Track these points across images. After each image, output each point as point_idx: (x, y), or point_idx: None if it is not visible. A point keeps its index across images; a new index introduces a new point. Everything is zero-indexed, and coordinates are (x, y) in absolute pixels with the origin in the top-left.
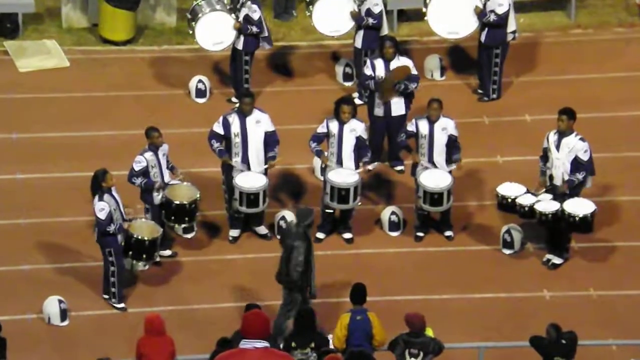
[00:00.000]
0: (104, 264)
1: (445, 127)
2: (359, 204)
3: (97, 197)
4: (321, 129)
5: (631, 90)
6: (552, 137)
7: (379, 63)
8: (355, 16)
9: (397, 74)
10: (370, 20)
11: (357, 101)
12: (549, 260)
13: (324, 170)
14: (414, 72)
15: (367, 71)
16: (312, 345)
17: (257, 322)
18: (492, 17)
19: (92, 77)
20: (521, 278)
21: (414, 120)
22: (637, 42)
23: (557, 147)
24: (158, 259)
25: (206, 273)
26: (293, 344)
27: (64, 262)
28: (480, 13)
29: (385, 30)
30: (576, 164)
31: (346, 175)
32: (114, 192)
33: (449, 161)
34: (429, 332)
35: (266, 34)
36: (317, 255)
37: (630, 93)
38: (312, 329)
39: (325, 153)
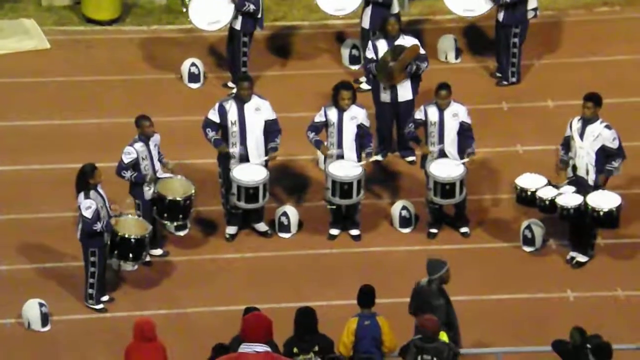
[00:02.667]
0: (84, 264)
1: (456, 114)
2: (364, 197)
3: (82, 195)
4: (319, 117)
5: None
6: (576, 124)
7: (382, 44)
8: None
9: (406, 55)
10: None
11: (365, 86)
12: (573, 258)
13: (326, 160)
14: (422, 51)
15: (369, 54)
16: (316, 349)
17: (257, 324)
18: None
19: (74, 60)
20: (543, 277)
21: (422, 107)
22: None
23: (581, 135)
24: (148, 259)
25: (200, 274)
26: (295, 350)
27: (45, 262)
28: None
29: (395, 9)
30: (604, 154)
31: (348, 168)
32: (99, 189)
33: (461, 152)
34: (443, 337)
35: (260, 15)
36: (321, 254)
37: None
38: (313, 331)
39: (325, 143)
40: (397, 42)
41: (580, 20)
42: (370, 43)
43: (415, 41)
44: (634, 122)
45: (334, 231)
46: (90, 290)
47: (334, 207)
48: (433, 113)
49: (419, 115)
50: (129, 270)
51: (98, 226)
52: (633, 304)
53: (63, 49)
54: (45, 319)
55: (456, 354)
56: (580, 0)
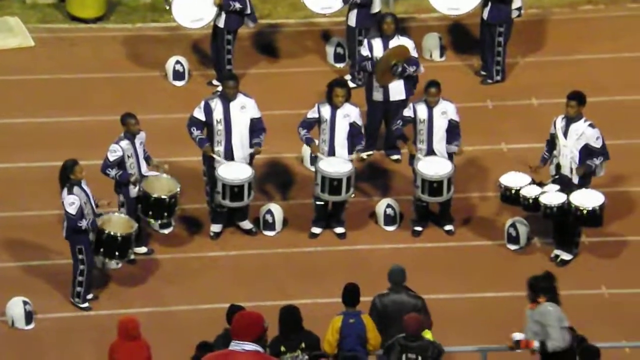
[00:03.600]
0: (73, 261)
1: (445, 111)
2: (353, 196)
3: (65, 190)
4: (312, 114)
5: None
6: (560, 122)
7: (377, 43)
8: None
9: (392, 55)
10: None
11: (350, 84)
12: (557, 256)
13: (314, 159)
14: (414, 54)
15: (364, 51)
16: (303, 345)
17: (247, 322)
18: None
19: (59, 57)
20: (527, 275)
21: (411, 105)
22: None
23: (565, 133)
24: (133, 257)
25: (185, 272)
26: (282, 348)
27: (29, 260)
28: None
29: (376, 8)
30: (587, 152)
31: (338, 164)
32: (84, 185)
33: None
34: (428, 335)
35: (249, 10)
36: (306, 252)
37: None
38: (298, 329)
39: (316, 141)
40: (392, 42)
41: (565, 18)
42: (365, 41)
43: (409, 43)
44: (618, 120)
45: (316, 230)
46: (78, 289)
47: (325, 203)
48: (422, 111)
49: (407, 112)
50: (114, 268)
51: (83, 223)
52: (617, 301)
53: (47, 47)
54: (29, 317)
55: (440, 352)
56: None
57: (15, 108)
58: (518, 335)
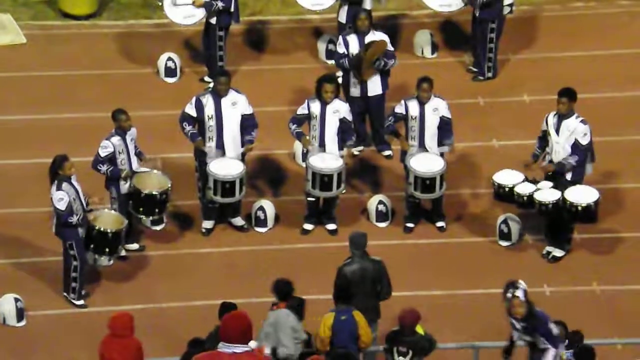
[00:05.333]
0: (64, 258)
1: (436, 108)
2: (344, 192)
3: (54, 186)
4: (302, 110)
5: (637, 68)
6: (552, 119)
7: (352, 39)
8: None
9: (375, 50)
10: None
11: (340, 80)
12: (549, 252)
13: (305, 155)
14: (390, 47)
15: (340, 49)
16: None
17: (236, 325)
18: None
19: (51, 54)
20: (519, 272)
21: (403, 101)
22: None
23: (557, 130)
24: (124, 253)
25: (177, 268)
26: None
27: (20, 257)
28: None
29: (367, 5)
30: (572, 147)
31: (329, 160)
32: (73, 181)
33: (440, 145)
34: (420, 330)
35: (233, 8)
36: (298, 249)
37: (636, 71)
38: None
39: (307, 136)
40: (367, 38)
41: (556, 15)
42: (340, 38)
43: (385, 37)
44: (610, 117)
45: (308, 226)
46: (73, 284)
47: (316, 199)
48: (414, 107)
49: (399, 109)
50: (105, 265)
51: (73, 219)
52: (609, 298)
53: (39, 44)
54: (20, 314)
55: (432, 343)
56: None
57: (7, 105)
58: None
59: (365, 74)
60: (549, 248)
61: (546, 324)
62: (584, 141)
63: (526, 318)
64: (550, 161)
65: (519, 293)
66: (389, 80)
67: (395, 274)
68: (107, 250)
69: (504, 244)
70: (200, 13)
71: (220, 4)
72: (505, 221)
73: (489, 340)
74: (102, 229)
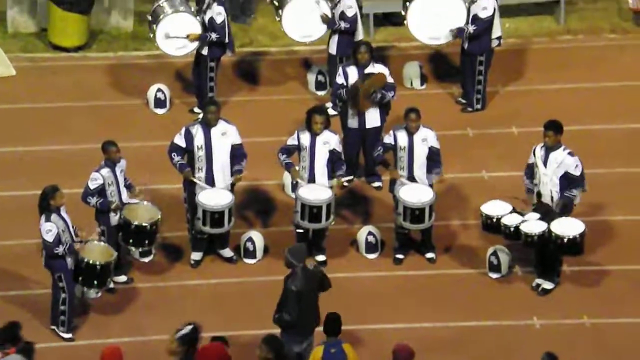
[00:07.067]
0: (52, 290)
1: (425, 138)
2: (333, 223)
3: (43, 217)
4: (291, 140)
5: (624, 101)
6: (539, 151)
7: (352, 70)
8: (327, 20)
9: (372, 82)
10: (343, 25)
11: (331, 111)
12: (538, 285)
13: (295, 186)
14: (390, 80)
15: (339, 80)
16: None
17: (212, 357)
18: (471, 29)
19: (40, 86)
20: (509, 304)
21: (391, 132)
22: (631, 50)
23: (545, 162)
24: (112, 286)
25: (165, 300)
26: None
27: (8, 290)
28: (458, 32)
29: (360, 35)
30: (567, 180)
31: (318, 191)
32: (62, 212)
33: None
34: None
35: (227, 39)
36: None
37: (624, 104)
38: (281, 358)
39: (296, 167)
40: (367, 70)
41: (544, 48)
42: (340, 69)
43: (385, 70)
44: (597, 150)
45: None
46: (62, 317)
47: (304, 231)
48: (402, 137)
49: (388, 139)
50: (93, 297)
51: (59, 249)
52: (599, 331)
53: (29, 76)
54: None
55: None
56: (543, 29)
57: None
58: None
59: (362, 105)
60: (538, 280)
61: None
62: (577, 172)
63: None
64: (539, 194)
65: None
66: (387, 113)
67: (385, 306)
68: (95, 282)
69: (494, 275)
70: (192, 44)
71: (214, 36)
72: (494, 253)
73: None
74: (90, 262)
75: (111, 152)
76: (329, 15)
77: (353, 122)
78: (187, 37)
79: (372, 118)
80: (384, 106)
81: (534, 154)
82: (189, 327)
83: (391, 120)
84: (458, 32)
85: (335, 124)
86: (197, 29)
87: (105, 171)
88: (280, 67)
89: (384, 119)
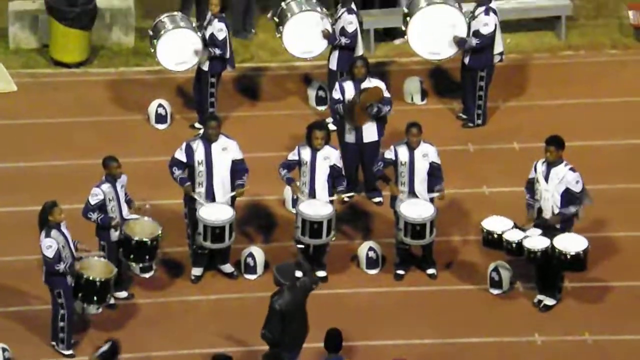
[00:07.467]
0: (52, 306)
1: (426, 154)
2: (334, 239)
3: (43, 233)
4: (292, 156)
5: (626, 116)
6: (540, 167)
7: (349, 85)
8: (327, 35)
9: (368, 96)
10: (343, 40)
11: (332, 127)
12: (540, 301)
13: (295, 201)
14: (387, 94)
15: (336, 95)
16: None
17: None
18: (474, 42)
19: (42, 102)
20: (510, 320)
21: (392, 147)
22: (632, 65)
23: (546, 178)
24: (112, 301)
25: (166, 316)
26: None
27: (8, 306)
28: (459, 41)
29: (360, 51)
30: (568, 196)
31: (319, 207)
32: (63, 228)
33: (430, 191)
34: None
35: (228, 55)
36: None
37: (625, 120)
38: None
39: (297, 182)
40: (364, 85)
41: (545, 63)
42: (337, 84)
43: (381, 84)
44: (599, 165)
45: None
46: (61, 335)
47: (305, 247)
48: (403, 153)
49: (388, 154)
50: (93, 313)
51: (60, 266)
52: (601, 348)
53: (30, 92)
54: None
55: None
56: (544, 44)
57: None
58: None
59: (359, 120)
60: (540, 296)
61: None
62: (578, 188)
63: None
64: (540, 209)
65: None
66: (384, 127)
67: (386, 322)
68: (95, 299)
69: (495, 292)
70: (193, 60)
71: (217, 51)
72: (496, 269)
73: None
74: (90, 278)
75: (112, 168)
76: (330, 30)
77: (350, 137)
78: (195, 52)
79: (370, 132)
80: (380, 120)
81: (535, 170)
82: (108, 344)
83: (388, 134)
84: (459, 42)
85: (333, 139)
86: (199, 46)
87: (106, 186)
88: (280, 82)
89: (382, 133)
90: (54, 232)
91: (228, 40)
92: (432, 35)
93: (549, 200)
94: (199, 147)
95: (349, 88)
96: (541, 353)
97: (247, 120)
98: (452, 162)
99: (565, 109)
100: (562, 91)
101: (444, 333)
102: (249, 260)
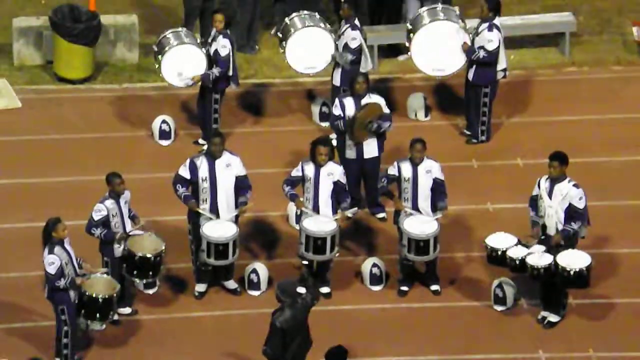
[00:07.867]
0: (56, 323)
1: (429, 170)
2: (337, 255)
3: (47, 250)
4: (296, 172)
5: (630, 133)
6: (544, 183)
7: (349, 102)
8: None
9: (368, 113)
10: (350, 57)
11: (334, 143)
12: (544, 318)
13: (299, 217)
14: (386, 110)
15: (336, 111)
16: None
17: None
18: (482, 54)
19: (46, 118)
20: (514, 337)
21: (395, 163)
22: (636, 82)
23: (550, 194)
24: (116, 318)
25: (170, 333)
26: None
27: (12, 322)
28: (468, 50)
29: (369, 66)
30: (571, 213)
31: (322, 223)
32: (66, 245)
33: (434, 209)
34: None
35: (232, 72)
36: None
37: (629, 136)
38: None
39: (301, 198)
40: (364, 101)
41: (549, 80)
42: (337, 100)
43: (381, 100)
44: (603, 182)
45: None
46: (65, 351)
47: (307, 262)
48: (407, 169)
49: (392, 171)
50: (97, 329)
51: (61, 282)
52: None
53: (34, 108)
54: None
55: None
56: (548, 61)
57: (1, 169)
58: None
59: (359, 136)
60: (544, 313)
61: None
62: (581, 205)
63: None
64: (544, 226)
65: None
66: (383, 143)
67: (389, 338)
68: (98, 315)
69: (499, 308)
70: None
71: (216, 71)
72: (500, 285)
73: None
74: (93, 295)
75: (115, 184)
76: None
77: (351, 153)
78: (192, 79)
79: (370, 148)
80: (380, 136)
81: (539, 186)
82: None
83: (389, 150)
84: (468, 52)
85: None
86: (203, 62)
87: (110, 202)
88: (284, 98)
89: (382, 148)
90: (57, 249)
91: (232, 58)
92: (436, 52)
93: (553, 217)
94: (202, 164)
95: (349, 104)
96: None
97: (250, 137)
98: (455, 178)
99: (569, 125)
100: (566, 107)
101: (447, 349)
102: (253, 276)
